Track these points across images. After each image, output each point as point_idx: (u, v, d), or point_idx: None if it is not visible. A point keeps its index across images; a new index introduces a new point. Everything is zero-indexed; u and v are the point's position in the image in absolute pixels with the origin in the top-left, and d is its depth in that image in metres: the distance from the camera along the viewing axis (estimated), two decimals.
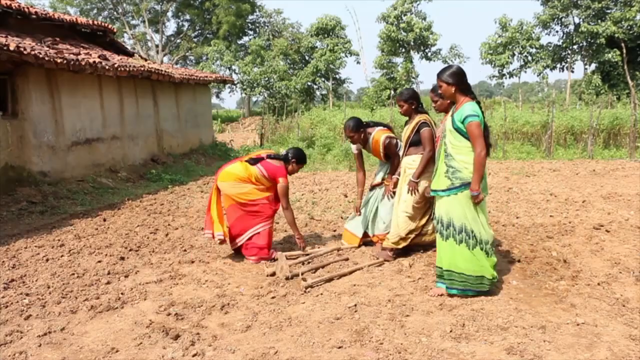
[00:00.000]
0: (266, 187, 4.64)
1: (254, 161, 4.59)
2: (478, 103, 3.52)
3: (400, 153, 4.67)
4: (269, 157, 4.67)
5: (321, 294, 3.73)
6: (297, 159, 4.72)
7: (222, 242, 4.65)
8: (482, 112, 3.52)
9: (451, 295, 3.59)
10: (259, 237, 4.58)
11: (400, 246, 4.50)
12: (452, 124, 3.50)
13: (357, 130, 4.77)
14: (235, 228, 4.61)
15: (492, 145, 3.58)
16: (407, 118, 4.67)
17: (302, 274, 4.09)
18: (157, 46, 40.32)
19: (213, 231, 4.59)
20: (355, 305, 3.46)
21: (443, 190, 3.55)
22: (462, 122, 3.42)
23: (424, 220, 4.51)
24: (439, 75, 3.55)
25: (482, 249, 3.55)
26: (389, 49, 32.83)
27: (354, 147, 5.02)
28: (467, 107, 3.43)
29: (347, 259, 4.57)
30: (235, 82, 31.82)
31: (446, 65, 3.79)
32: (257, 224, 4.58)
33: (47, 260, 4.69)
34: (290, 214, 4.64)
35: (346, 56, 34.58)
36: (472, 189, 3.43)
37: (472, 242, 3.53)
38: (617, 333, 3.00)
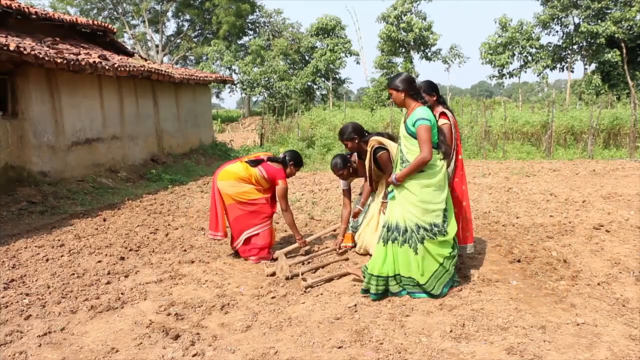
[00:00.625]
0: (264, 188, 4.66)
1: (254, 163, 4.61)
2: (430, 108, 3.61)
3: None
4: (269, 159, 4.69)
5: (321, 294, 3.73)
6: (295, 161, 4.76)
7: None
8: (436, 118, 3.64)
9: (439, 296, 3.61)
10: (258, 237, 4.59)
11: None
12: (406, 130, 3.57)
13: (345, 165, 4.65)
14: (235, 228, 4.62)
15: (449, 153, 3.70)
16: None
17: (302, 274, 4.10)
18: (157, 46, 40.31)
19: (212, 231, 4.64)
20: (355, 305, 3.46)
21: None
22: (414, 126, 3.49)
23: None
24: (389, 83, 3.68)
25: (410, 246, 3.59)
26: (389, 49, 32.82)
27: (343, 184, 4.82)
28: (418, 111, 3.52)
29: (347, 259, 4.57)
30: (235, 82, 31.82)
31: (395, 73, 3.93)
32: (256, 224, 4.59)
33: (47, 260, 4.69)
34: (290, 216, 4.65)
35: (346, 56, 34.58)
36: (397, 177, 3.54)
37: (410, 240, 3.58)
38: (617, 333, 3.00)
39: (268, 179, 4.59)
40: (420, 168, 3.48)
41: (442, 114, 3.95)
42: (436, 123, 3.61)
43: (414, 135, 3.50)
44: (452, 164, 3.98)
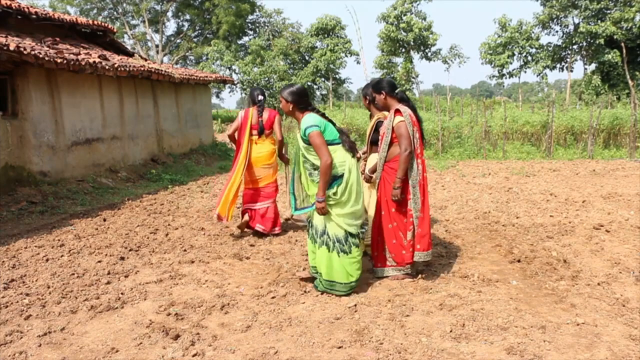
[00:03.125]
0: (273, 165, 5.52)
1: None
2: (319, 112, 3.66)
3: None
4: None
5: (321, 294, 3.72)
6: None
7: (220, 219, 5.34)
8: (330, 120, 3.67)
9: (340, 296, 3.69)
10: (270, 210, 5.47)
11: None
12: (303, 141, 3.59)
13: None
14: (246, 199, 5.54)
15: (355, 148, 3.71)
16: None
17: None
18: (157, 46, 40.30)
19: (219, 211, 5.27)
20: (355, 305, 3.46)
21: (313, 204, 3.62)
22: (305, 135, 3.53)
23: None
24: (281, 92, 3.76)
25: (329, 248, 3.64)
26: (389, 49, 32.83)
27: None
28: (305, 120, 3.55)
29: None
30: (235, 82, 31.78)
31: (289, 83, 4.02)
32: (266, 200, 5.48)
33: (47, 260, 4.69)
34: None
35: (346, 56, 34.57)
36: (317, 196, 3.51)
37: (322, 238, 3.66)
38: (617, 333, 3.00)
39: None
40: (328, 173, 3.47)
41: (397, 111, 3.85)
42: (329, 125, 3.63)
43: (309, 144, 3.54)
44: (415, 165, 3.81)
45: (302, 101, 3.66)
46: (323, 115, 3.65)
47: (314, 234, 3.71)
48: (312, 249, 3.82)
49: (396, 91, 3.94)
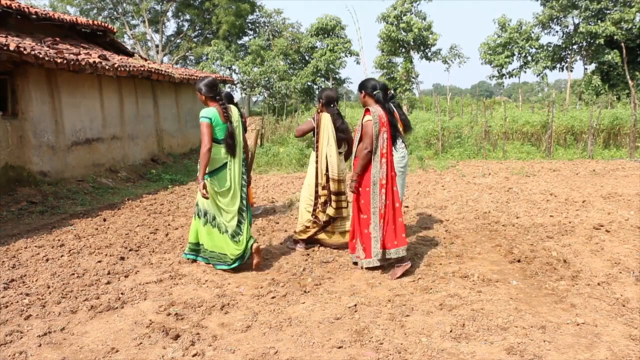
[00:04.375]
0: None
1: None
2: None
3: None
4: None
5: (321, 294, 3.73)
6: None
7: None
8: (229, 117, 4.22)
9: (193, 261, 4.49)
10: None
11: (302, 237, 4.85)
12: None
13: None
14: None
15: (234, 151, 4.25)
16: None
17: None
18: (157, 46, 40.29)
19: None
20: (355, 305, 3.46)
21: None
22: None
23: (323, 216, 4.74)
24: (196, 83, 4.33)
25: (220, 230, 4.25)
26: (389, 49, 32.82)
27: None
28: (202, 110, 4.17)
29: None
30: (235, 82, 31.80)
31: (203, 77, 4.51)
32: None
33: (47, 260, 4.69)
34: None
35: (346, 56, 34.56)
36: (197, 178, 4.16)
37: (212, 223, 4.29)
38: (617, 333, 3.00)
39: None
40: (204, 159, 4.08)
41: (367, 111, 4.05)
42: (223, 124, 4.18)
43: None
44: (378, 164, 3.95)
45: (211, 91, 4.24)
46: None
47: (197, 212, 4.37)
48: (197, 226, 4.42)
49: (374, 92, 4.11)
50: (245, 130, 4.49)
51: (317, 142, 4.71)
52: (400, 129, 4.79)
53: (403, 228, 4.07)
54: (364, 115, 4.04)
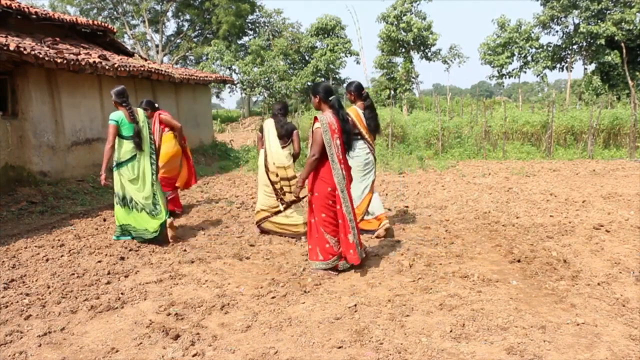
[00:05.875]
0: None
1: None
2: (131, 110, 5.19)
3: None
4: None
5: (321, 294, 3.73)
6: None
7: None
8: (135, 119, 5.19)
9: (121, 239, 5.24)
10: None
11: (256, 218, 5.51)
12: None
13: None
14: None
15: (140, 146, 5.22)
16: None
17: None
18: (157, 46, 40.29)
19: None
20: (355, 305, 3.46)
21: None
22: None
23: (273, 202, 5.35)
24: (111, 91, 5.28)
25: (138, 209, 5.19)
26: (388, 49, 32.83)
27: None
28: (111, 114, 5.17)
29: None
30: (235, 82, 31.82)
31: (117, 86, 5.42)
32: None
33: (47, 260, 4.69)
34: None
35: (346, 56, 34.61)
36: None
37: (130, 205, 5.24)
38: (617, 333, 3.00)
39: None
40: (107, 155, 5.16)
41: (316, 118, 4.09)
42: (129, 124, 5.18)
43: None
44: (339, 171, 4.01)
45: (119, 98, 5.20)
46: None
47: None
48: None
49: (330, 98, 4.11)
50: (182, 137, 6.39)
51: (264, 143, 5.43)
52: (365, 133, 5.16)
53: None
54: (314, 123, 4.08)
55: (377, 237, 5.20)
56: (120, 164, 5.23)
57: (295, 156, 5.39)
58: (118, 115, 5.13)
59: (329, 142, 3.97)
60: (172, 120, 6.46)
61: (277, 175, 5.28)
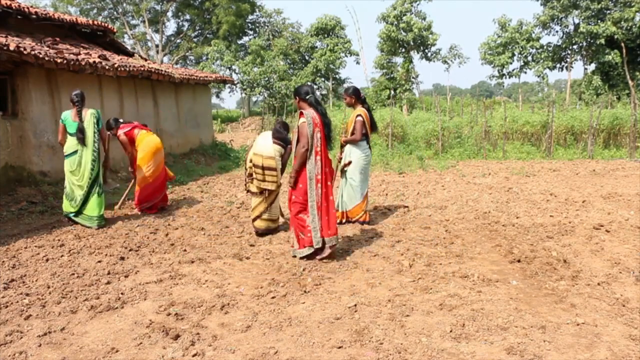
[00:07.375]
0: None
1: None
2: (79, 110, 5.84)
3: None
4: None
5: (321, 294, 3.73)
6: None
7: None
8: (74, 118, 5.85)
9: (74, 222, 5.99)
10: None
11: (252, 216, 5.54)
12: None
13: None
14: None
15: (83, 141, 5.94)
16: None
17: None
18: (157, 46, 40.30)
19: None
20: (355, 305, 3.46)
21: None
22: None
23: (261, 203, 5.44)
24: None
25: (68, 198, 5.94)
26: (388, 49, 32.81)
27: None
28: (63, 114, 5.92)
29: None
30: (235, 82, 31.82)
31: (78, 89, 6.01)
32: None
33: (47, 260, 4.69)
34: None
35: (346, 56, 34.61)
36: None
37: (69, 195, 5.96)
38: (617, 333, 3.00)
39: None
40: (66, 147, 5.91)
41: (301, 114, 4.45)
42: (72, 123, 5.87)
43: None
44: (313, 161, 4.36)
45: (74, 99, 5.83)
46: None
47: None
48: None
49: (307, 97, 4.49)
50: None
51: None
52: (370, 134, 5.87)
53: (335, 219, 4.54)
54: (299, 118, 4.44)
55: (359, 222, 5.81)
56: (66, 157, 5.92)
57: (283, 163, 5.51)
58: (64, 114, 5.92)
59: (312, 135, 4.35)
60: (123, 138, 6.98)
61: (251, 161, 5.40)
